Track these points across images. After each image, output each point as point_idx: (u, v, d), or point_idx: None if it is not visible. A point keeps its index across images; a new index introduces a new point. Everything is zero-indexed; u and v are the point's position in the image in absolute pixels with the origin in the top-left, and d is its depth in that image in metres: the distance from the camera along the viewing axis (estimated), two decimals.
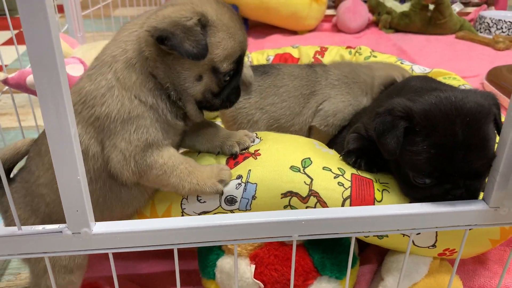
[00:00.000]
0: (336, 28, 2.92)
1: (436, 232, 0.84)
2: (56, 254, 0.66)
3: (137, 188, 0.84)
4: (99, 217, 0.71)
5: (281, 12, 2.71)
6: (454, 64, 2.30)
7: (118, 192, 0.83)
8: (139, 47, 0.77)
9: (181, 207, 0.88)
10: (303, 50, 1.65)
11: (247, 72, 1.14)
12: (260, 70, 1.22)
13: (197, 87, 0.80)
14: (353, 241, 0.72)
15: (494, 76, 1.92)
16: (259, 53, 1.73)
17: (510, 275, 0.99)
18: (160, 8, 0.80)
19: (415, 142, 0.76)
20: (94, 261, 1.04)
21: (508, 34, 2.67)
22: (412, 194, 0.81)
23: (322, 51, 1.63)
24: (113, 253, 0.67)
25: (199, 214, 0.87)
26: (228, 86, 0.85)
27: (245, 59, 1.69)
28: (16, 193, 0.84)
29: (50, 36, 0.51)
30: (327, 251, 0.88)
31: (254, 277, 0.87)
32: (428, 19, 2.74)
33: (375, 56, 1.54)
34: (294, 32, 2.85)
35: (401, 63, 1.48)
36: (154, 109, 0.78)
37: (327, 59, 1.60)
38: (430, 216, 0.71)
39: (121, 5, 2.56)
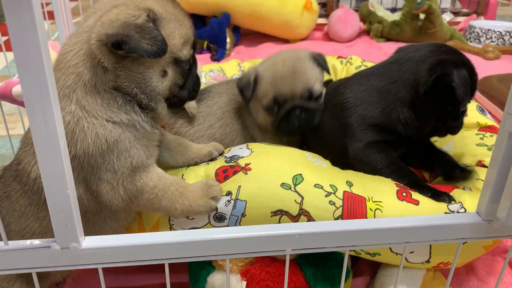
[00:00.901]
0: (328, 37, 2.93)
1: (430, 249, 0.84)
2: (44, 269, 0.64)
3: (123, 213, 0.83)
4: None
5: (273, 21, 2.72)
6: None
7: (99, 227, 0.81)
8: (93, 63, 0.73)
9: (169, 223, 0.87)
10: None
11: (191, 104, 1.15)
12: (197, 98, 1.21)
13: (164, 83, 0.78)
14: (346, 255, 0.71)
15: (484, 86, 1.93)
16: (251, 63, 1.73)
17: (503, 285, 0.99)
18: (101, 14, 0.74)
19: None
20: (84, 275, 1.02)
21: (497, 44, 2.70)
22: None
23: None
24: (103, 268, 0.66)
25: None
26: (191, 74, 0.83)
27: (236, 68, 1.69)
28: None
29: (38, 44, 0.50)
30: (319, 266, 0.87)
31: None
32: (419, 28, 2.76)
33: (366, 66, 1.54)
34: (286, 41, 2.86)
35: None
36: (131, 126, 0.75)
37: None
38: (423, 230, 0.70)
39: None
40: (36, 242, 0.63)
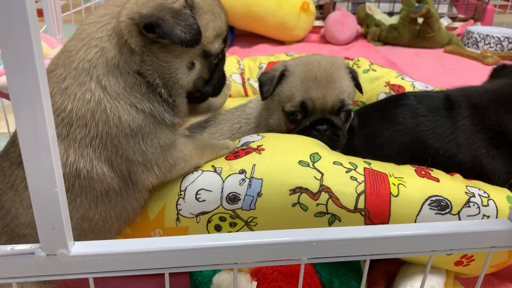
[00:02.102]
0: (324, 40, 2.87)
1: None
2: (27, 279, 0.56)
3: (147, 193, 0.78)
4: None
5: (269, 22, 2.66)
6: (443, 78, 2.28)
7: (121, 207, 0.75)
8: (119, 42, 0.67)
9: (177, 208, 0.79)
10: None
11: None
12: (202, 125, 1.17)
13: (189, 76, 0.73)
14: (367, 264, 0.64)
15: None
16: (251, 60, 1.66)
17: None
18: None
19: None
20: (72, 285, 0.94)
21: (496, 49, 2.67)
22: None
23: None
24: (94, 278, 0.58)
25: (196, 216, 0.79)
26: (217, 69, 0.79)
27: (236, 65, 1.62)
28: None
29: (28, 28, 0.42)
30: (335, 268, 0.81)
31: None
32: (417, 33, 2.72)
33: (374, 70, 1.48)
34: (281, 42, 2.80)
35: (402, 79, 1.42)
36: (153, 115, 0.70)
37: None
38: (450, 237, 0.63)
39: None
40: (18, 247, 0.55)
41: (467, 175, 0.91)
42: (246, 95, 1.65)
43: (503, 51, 2.65)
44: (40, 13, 1.66)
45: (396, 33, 2.76)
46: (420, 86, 1.37)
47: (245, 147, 0.86)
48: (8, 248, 0.55)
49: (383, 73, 1.46)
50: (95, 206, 0.71)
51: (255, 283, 0.79)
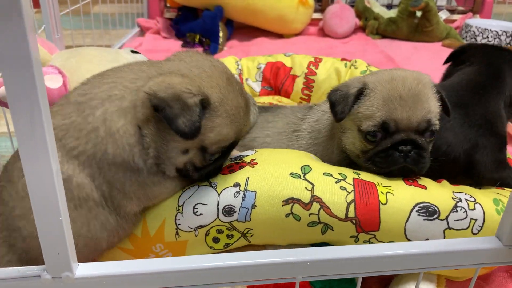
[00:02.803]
0: (323, 32, 2.87)
1: (444, 237, 0.82)
2: None
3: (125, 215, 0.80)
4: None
5: (267, 15, 2.66)
6: (440, 74, 2.28)
7: (105, 219, 0.78)
8: (135, 104, 0.74)
9: (176, 223, 0.82)
10: (297, 60, 1.60)
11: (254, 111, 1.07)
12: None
13: (180, 158, 0.78)
14: (359, 281, 0.67)
15: None
16: (249, 60, 1.66)
17: None
18: (172, 69, 0.77)
19: None
20: None
21: (494, 43, 2.67)
22: None
23: (317, 62, 1.58)
24: None
25: (195, 229, 0.82)
26: (212, 164, 0.82)
27: (234, 66, 1.63)
28: None
29: (25, 37, 0.44)
30: (329, 280, 0.84)
31: None
32: (415, 26, 2.73)
33: (371, 71, 1.50)
34: (280, 36, 2.80)
35: None
36: (129, 162, 0.75)
37: (321, 70, 1.55)
38: (439, 255, 0.66)
39: (101, 2, 2.45)
40: (24, 270, 0.57)
41: (461, 170, 0.95)
42: None
43: (501, 45, 2.66)
44: (36, 3, 1.65)
45: (395, 26, 2.76)
46: None
47: (239, 161, 0.88)
48: (15, 271, 0.57)
49: None
50: (74, 208, 0.73)
51: None
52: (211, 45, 2.56)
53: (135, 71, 0.77)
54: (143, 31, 2.85)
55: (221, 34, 2.59)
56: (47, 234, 0.54)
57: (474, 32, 2.73)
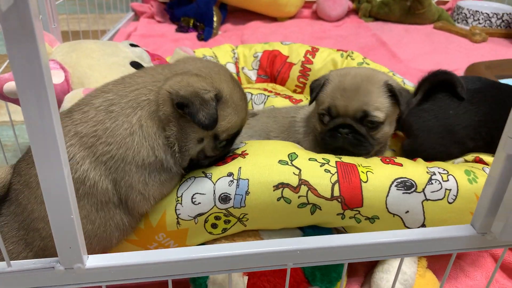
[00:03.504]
0: (316, 15, 2.89)
1: (423, 208, 0.90)
2: None
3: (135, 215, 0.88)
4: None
5: None
6: (432, 57, 2.33)
7: (119, 219, 0.84)
8: (157, 102, 0.82)
9: (176, 213, 0.88)
10: (294, 48, 1.63)
11: None
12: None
13: (196, 148, 0.87)
14: (345, 266, 0.73)
15: (472, 72, 1.95)
16: (246, 48, 1.69)
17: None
18: (182, 72, 0.86)
19: None
20: None
21: (484, 26, 2.71)
22: None
23: (313, 51, 1.61)
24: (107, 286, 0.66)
25: (194, 217, 0.88)
26: (220, 152, 0.92)
27: (230, 54, 1.67)
28: (7, 227, 0.81)
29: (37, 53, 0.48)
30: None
31: None
32: (408, 9, 2.75)
33: (367, 64, 1.54)
34: (273, 19, 2.82)
35: (393, 75, 1.48)
36: (162, 163, 0.84)
37: (318, 60, 1.58)
38: (420, 243, 0.72)
39: None
40: (39, 262, 0.63)
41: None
42: (240, 83, 1.70)
43: (492, 27, 2.69)
44: None
45: (387, 9, 2.79)
46: (409, 83, 1.44)
47: (231, 154, 0.95)
48: (31, 263, 0.63)
49: (376, 68, 1.52)
50: (96, 211, 0.80)
51: (246, 278, 0.88)
52: (205, 29, 2.58)
53: (153, 74, 0.86)
54: (137, 15, 2.86)
55: (215, 18, 2.61)
56: (60, 231, 0.59)
57: (466, 14, 2.76)
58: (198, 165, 0.91)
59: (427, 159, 1.06)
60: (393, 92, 1.04)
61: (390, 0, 2.77)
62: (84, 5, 2.28)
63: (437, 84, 1.14)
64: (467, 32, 2.60)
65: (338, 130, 1.05)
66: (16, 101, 1.16)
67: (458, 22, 2.81)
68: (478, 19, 2.71)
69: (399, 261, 0.75)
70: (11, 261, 0.62)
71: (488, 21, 2.69)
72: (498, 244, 0.75)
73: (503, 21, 2.66)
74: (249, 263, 0.69)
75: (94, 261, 0.64)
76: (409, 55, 2.33)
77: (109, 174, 0.79)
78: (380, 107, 1.03)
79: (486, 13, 2.69)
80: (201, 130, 0.83)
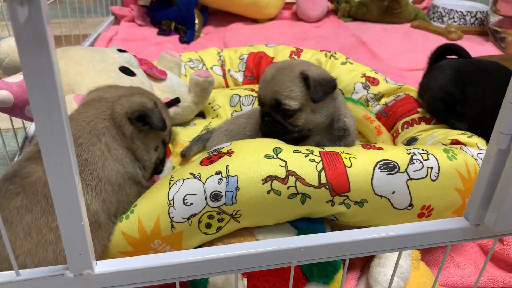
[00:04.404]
0: (296, 17, 2.93)
1: (408, 188, 0.93)
2: None
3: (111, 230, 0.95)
4: None
5: (241, 1, 2.69)
6: (410, 56, 2.39)
7: (101, 237, 0.91)
8: (116, 126, 0.94)
9: (169, 216, 0.88)
10: (279, 50, 1.66)
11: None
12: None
13: (155, 156, 1.02)
14: (347, 262, 0.76)
15: None
16: (231, 51, 1.71)
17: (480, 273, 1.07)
18: (122, 96, 0.98)
19: None
20: None
21: (459, 24, 2.78)
22: None
23: (298, 52, 1.64)
24: None
25: (188, 219, 0.89)
26: (166, 152, 1.09)
27: (216, 57, 1.68)
28: None
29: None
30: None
31: None
32: (385, 8, 2.81)
33: (350, 63, 1.57)
34: (255, 21, 2.84)
35: (376, 73, 1.52)
36: (134, 176, 0.96)
37: (303, 59, 1.62)
38: (415, 236, 0.75)
39: None
40: (48, 270, 0.63)
41: None
42: (227, 85, 1.71)
43: (466, 25, 2.77)
44: None
45: (365, 9, 2.84)
46: (391, 82, 1.47)
47: (217, 153, 0.96)
48: (40, 271, 0.63)
49: (359, 67, 1.56)
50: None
51: (245, 280, 0.90)
52: (187, 32, 2.58)
53: (95, 107, 0.96)
54: (117, 19, 2.84)
55: (197, 21, 2.61)
56: (70, 237, 0.60)
57: (441, 13, 2.83)
58: (154, 171, 1.06)
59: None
60: (307, 81, 1.08)
61: (368, 0, 2.82)
62: (65, 9, 2.26)
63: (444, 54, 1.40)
64: (443, 30, 2.67)
65: (264, 118, 1.14)
66: (4, 110, 1.15)
67: (434, 21, 2.88)
68: (453, 17, 2.79)
69: (396, 255, 0.77)
70: (20, 270, 0.62)
71: (462, 19, 2.77)
72: (491, 235, 0.78)
73: (477, 19, 2.75)
74: (255, 262, 0.70)
75: (103, 266, 0.65)
76: (389, 54, 2.38)
77: (98, 196, 0.88)
78: (291, 96, 1.09)
79: (460, 11, 2.76)
80: (156, 138, 1.00)
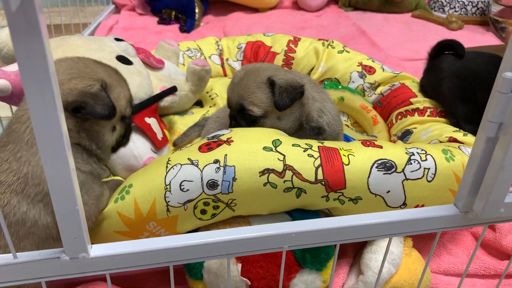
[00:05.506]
0: (297, 6, 2.92)
1: (403, 187, 0.94)
2: (54, 278, 0.67)
3: None
4: None
5: None
6: (410, 45, 2.38)
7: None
8: None
9: (165, 201, 0.90)
10: (277, 39, 1.66)
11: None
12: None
13: (113, 137, 0.92)
14: (337, 248, 0.77)
15: None
16: (229, 40, 1.71)
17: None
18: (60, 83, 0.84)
19: None
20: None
21: (460, 14, 2.77)
22: None
23: (296, 41, 1.64)
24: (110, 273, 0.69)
25: (183, 204, 0.90)
26: (130, 125, 0.98)
27: (214, 46, 1.68)
28: None
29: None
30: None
31: (241, 275, 0.91)
32: None
33: (347, 51, 1.58)
34: (255, 10, 2.83)
35: (373, 61, 1.52)
36: (91, 173, 0.88)
37: (300, 49, 1.62)
38: (407, 223, 0.76)
39: None
40: (45, 253, 0.65)
41: None
42: (225, 75, 1.72)
43: (467, 15, 2.76)
44: None
45: None
46: (387, 69, 1.48)
47: (216, 140, 0.96)
48: (36, 254, 0.65)
49: (355, 55, 1.56)
50: (37, 249, 0.80)
51: (240, 265, 0.91)
52: (188, 21, 2.58)
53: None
54: (118, 8, 2.84)
55: (197, 10, 2.61)
56: (66, 222, 0.61)
57: (442, 3, 2.82)
58: (118, 146, 0.96)
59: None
60: (273, 88, 1.04)
61: None
62: None
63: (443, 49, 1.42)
64: (444, 20, 2.66)
65: (231, 121, 1.13)
66: (2, 99, 1.16)
67: (435, 10, 2.87)
68: (454, 7, 2.77)
69: (387, 241, 0.79)
70: (17, 253, 0.64)
71: (463, 9, 2.76)
72: (479, 222, 0.79)
73: (478, 8, 2.73)
74: (247, 247, 0.72)
75: (98, 250, 0.67)
76: (389, 43, 2.38)
77: (47, 208, 0.81)
78: (255, 102, 1.05)
79: (461, 1, 2.75)
80: (108, 122, 0.87)
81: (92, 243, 0.68)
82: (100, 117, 0.82)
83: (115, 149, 0.96)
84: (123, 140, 0.97)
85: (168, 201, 0.90)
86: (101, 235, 0.93)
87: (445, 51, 1.41)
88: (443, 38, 2.44)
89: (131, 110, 0.96)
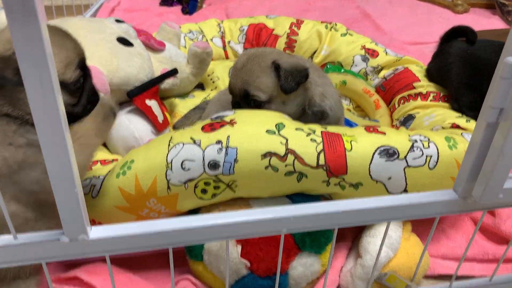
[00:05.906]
0: None
1: (405, 174, 0.94)
2: (54, 259, 0.67)
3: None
4: None
5: None
6: (415, 30, 2.36)
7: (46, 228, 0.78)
8: None
9: (166, 179, 0.90)
10: (279, 21, 1.64)
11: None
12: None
13: None
14: (335, 232, 0.77)
15: None
16: (231, 22, 1.70)
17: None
18: None
19: None
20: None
21: None
22: None
23: (299, 23, 1.63)
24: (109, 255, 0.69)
25: (184, 183, 0.91)
26: (84, 92, 0.83)
27: (216, 28, 1.67)
28: None
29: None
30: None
31: (241, 257, 0.92)
32: None
33: (351, 34, 1.56)
34: None
35: (376, 45, 1.51)
36: (31, 145, 0.76)
37: (303, 31, 1.61)
38: (406, 207, 0.76)
39: None
40: (45, 235, 0.65)
41: None
42: (227, 57, 1.71)
43: None
44: None
45: None
46: (391, 53, 1.46)
47: (219, 120, 0.96)
48: (36, 236, 0.65)
49: (359, 38, 1.54)
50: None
51: (239, 247, 0.92)
52: (190, 3, 2.55)
53: None
54: None
55: None
56: (65, 204, 0.61)
57: None
58: (75, 117, 0.83)
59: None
60: (279, 72, 1.03)
61: None
62: None
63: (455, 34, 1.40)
64: (450, 3, 2.62)
65: (234, 107, 1.10)
66: None
67: None
68: None
69: (386, 225, 0.79)
70: (17, 234, 0.65)
71: None
72: (478, 207, 0.80)
73: None
74: (245, 230, 0.72)
75: (98, 232, 0.67)
76: (393, 27, 2.35)
77: (4, 195, 0.70)
78: (261, 87, 1.04)
79: None
80: None
81: (92, 218, 0.68)
82: (8, 83, 0.71)
83: (70, 120, 0.78)
84: (76, 109, 0.82)
85: (169, 179, 0.90)
86: (101, 209, 0.94)
87: (457, 37, 1.40)
88: (448, 22, 2.43)
89: (78, 75, 0.80)
